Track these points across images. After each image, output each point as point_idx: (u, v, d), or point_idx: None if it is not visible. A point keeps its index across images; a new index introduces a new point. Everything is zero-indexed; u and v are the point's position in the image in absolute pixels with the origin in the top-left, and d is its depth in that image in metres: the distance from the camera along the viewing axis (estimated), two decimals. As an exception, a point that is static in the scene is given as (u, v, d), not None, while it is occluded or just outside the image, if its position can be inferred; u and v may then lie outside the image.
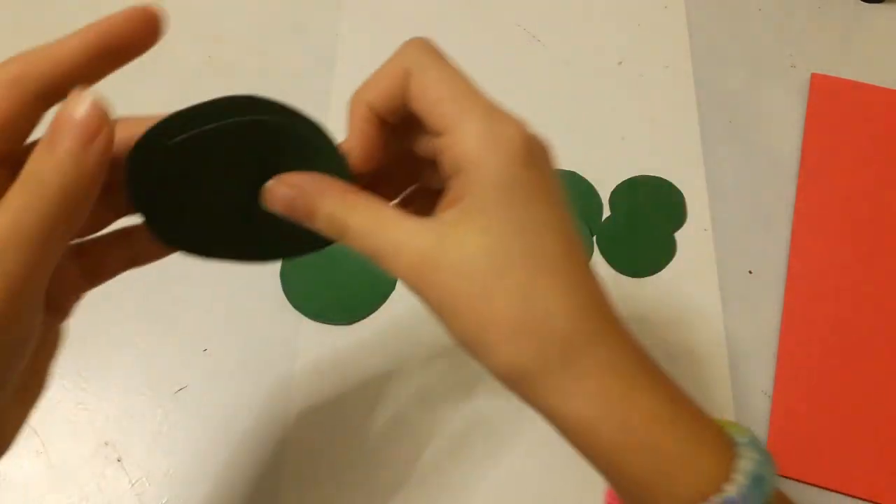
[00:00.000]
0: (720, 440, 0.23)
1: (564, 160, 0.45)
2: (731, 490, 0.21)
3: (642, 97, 0.48)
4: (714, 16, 0.51)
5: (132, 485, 0.35)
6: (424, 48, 0.25)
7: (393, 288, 0.40)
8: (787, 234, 0.43)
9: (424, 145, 0.25)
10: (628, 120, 0.47)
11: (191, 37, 0.48)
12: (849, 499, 0.36)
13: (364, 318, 0.39)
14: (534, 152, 0.24)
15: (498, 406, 0.38)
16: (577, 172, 0.44)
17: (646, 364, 0.23)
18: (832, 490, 0.36)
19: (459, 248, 0.22)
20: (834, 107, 0.47)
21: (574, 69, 0.48)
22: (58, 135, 0.20)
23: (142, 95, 0.46)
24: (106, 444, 0.36)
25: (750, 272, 0.42)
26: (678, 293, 0.41)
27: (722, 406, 0.38)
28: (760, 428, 0.37)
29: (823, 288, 0.41)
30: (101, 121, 0.21)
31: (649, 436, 0.22)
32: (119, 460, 0.36)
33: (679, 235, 0.42)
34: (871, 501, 0.35)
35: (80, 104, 0.21)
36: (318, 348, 0.39)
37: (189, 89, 0.46)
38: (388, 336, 0.39)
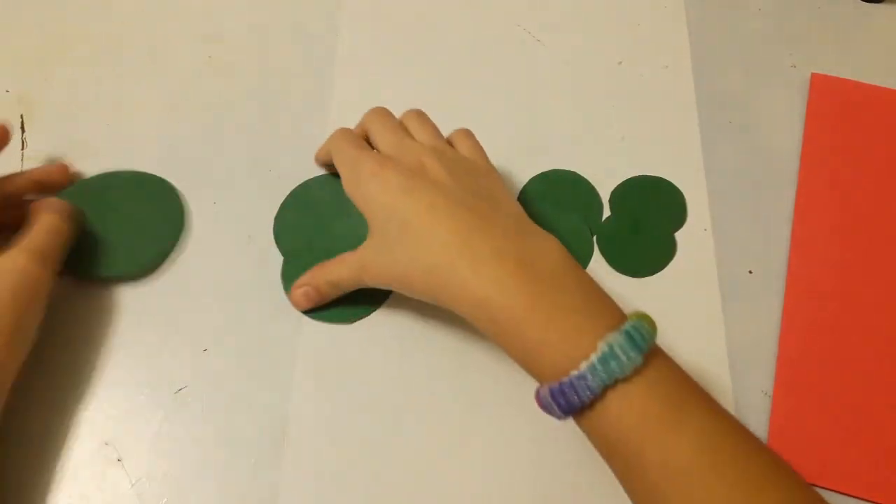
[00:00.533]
0: (591, 330, 0.29)
1: (564, 160, 0.45)
2: (582, 367, 0.28)
3: (642, 97, 0.48)
4: (714, 16, 0.51)
5: (132, 485, 0.35)
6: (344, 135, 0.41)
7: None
8: (787, 234, 0.43)
9: None
10: (628, 120, 0.47)
11: (191, 37, 0.48)
12: (849, 499, 0.36)
13: (364, 317, 0.39)
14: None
15: (501, 404, 0.38)
16: (577, 172, 0.44)
17: (513, 270, 0.31)
18: (832, 490, 0.36)
19: (373, 248, 0.36)
20: (834, 107, 0.47)
21: (574, 69, 0.48)
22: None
23: (142, 95, 0.46)
24: (106, 444, 0.36)
25: (750, 272, 0.42)
26: (678, 293, 0.41)
27: (722, 397, 0.38)
28: (760, 428, 0.37)
29: (823, 288, 0.41)
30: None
31: (512, 328, 0.30)
32: (119, 460, 0.36)
33: (679, 235, 0.42)
34: (871, 501, 0.35)
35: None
36: (318, 348, 0.39)
37: (189, 89, 0.46)
38: (388, 335, 0.39)
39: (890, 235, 0.42)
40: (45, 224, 0.36)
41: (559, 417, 0.30)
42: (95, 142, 0.44)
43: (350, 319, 0.39)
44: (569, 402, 0.28)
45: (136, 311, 0.39)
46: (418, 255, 0.32)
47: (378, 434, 0.37)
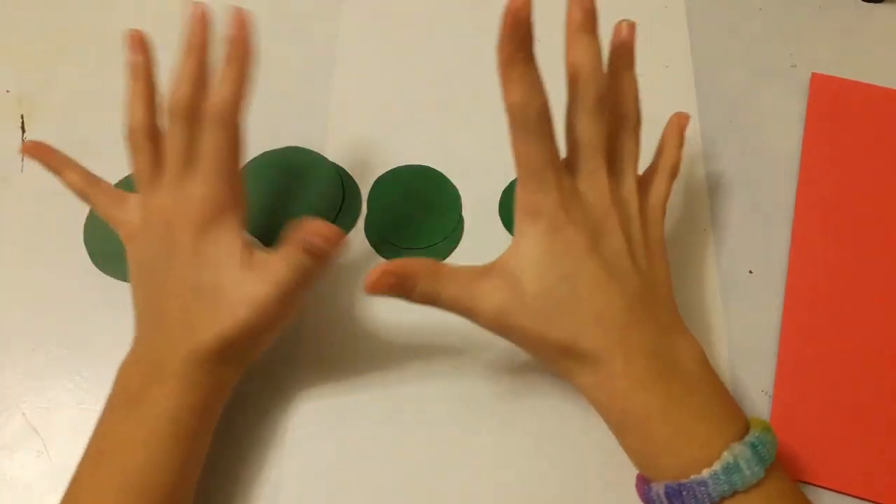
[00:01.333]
0: (715, 438, 0.29)
1: (564, 160, 0.45)
2: (704, 473, 0.28)
3: (642, 97, 0.48)
4: (714, 16, 0.51)
5: (133, 485, 0.35)
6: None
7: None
8: (787, 234, 0.43)
9: None
10: (628, 120, 0.46)
11: (191, 37, 0.48)
12: (849, 499, 0.36)
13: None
14: (555, 226, 0.31)
15: (501, 407, 0.38)
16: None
17: (661, 369, 0.30)
18: (831, 489, 0.36)
19: (521, 297, 0.31)
20: (834, 107, 0.47)
21: (574, 69, 0.48)
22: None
23: (142, 95, 0.46)
24: (106, 444, 0.36)
25: (750, 272, 0.42)
26: (678, 293, 0.41)
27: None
28: (760, 428, 0.37)
29: (823, 288, 0.41)
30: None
31: (642, 425, 0.30)
32: (119, 460, 0.36)
33: (679, 235, 0.43)
34: (871, 501, 0.35)
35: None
36: (319, 349, 0.39)
37: (189, 89, 0.46)
38: (389, 335, 0.39)
39: (890, 235, 0.42)
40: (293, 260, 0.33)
41: None
42: (95, 142, 0.44)
43: None
44: (690, 502, 0.28)
45: (137, 312, 0.39)
46: (574, 332, 0.30)
47: (378, 434, 0.37)
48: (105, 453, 0.31)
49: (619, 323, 0.30)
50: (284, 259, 0.32)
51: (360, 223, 0.42)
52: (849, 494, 0.36)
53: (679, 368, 0.31)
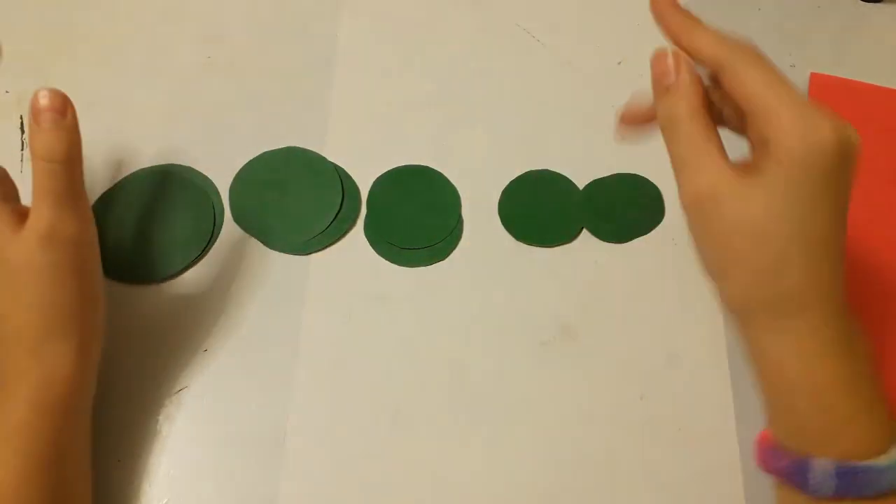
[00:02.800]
0: (886, 424, 0.27)
1: (564, 160, 0.45)
2: (879, 461, 0.26)
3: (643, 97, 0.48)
4: (713, 16, 0.51)
5: (132, 485, 0.35)
6: (740, 51, 0.29)
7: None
8: (786, 233, 0.43)
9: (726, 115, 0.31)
10: (628, 120, 0.47)
11: (191, 37, 0.48)
12: (849, 498, 0.36)
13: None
14: (835, 152, 0.28)
15: (501, 406, 0.38)
16: (559, 172, 0.44)
17: (848, 340, 0.27)
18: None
19: (744, 200, 0.27)
20: (834, 107, 0.46)
21: (574, 69, 0.48)
22: (37, 117, 0.31)
23: (142, 95, 0.46)
24: (106, 444, 0.36)
25: (750, 272, 0.42)
26: (679, 293, 0.41)
27: (722, 405, 0.38)
28: (760, 428, 0.37)
29: (823, 288, 0.41)
30: (64, 101, 0.31)
31: (827, 394, 0.27)
32: (119, 461, 0.36)
33: (679, 235, 0.43)
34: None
35: (41, 97, 0.31)
36: (319, 348, 0.39)
37: (189, 89, 0.46)
38: (388, 335, 0.39)
39: (890, 235, 0.42)
40: (41, 173, 0.31)
41: (816, 495, 0.27)
42: (95, 142, 0.44)
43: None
44: (857, 487, 0.26)
45: (137, 311, 0.39)
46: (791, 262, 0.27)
47: (377, 434, 0.37)
48: None
49: (828, 276, 0.27)
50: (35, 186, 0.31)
51: (360, 223, 0.42)
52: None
53: (857, 343, 0.28)
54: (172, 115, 0.45)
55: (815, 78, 0.48)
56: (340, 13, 0.50)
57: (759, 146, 0.28)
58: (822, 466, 0.27)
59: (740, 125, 0.31)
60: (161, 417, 0.37)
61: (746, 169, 0.28)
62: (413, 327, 0.39)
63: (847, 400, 0.27)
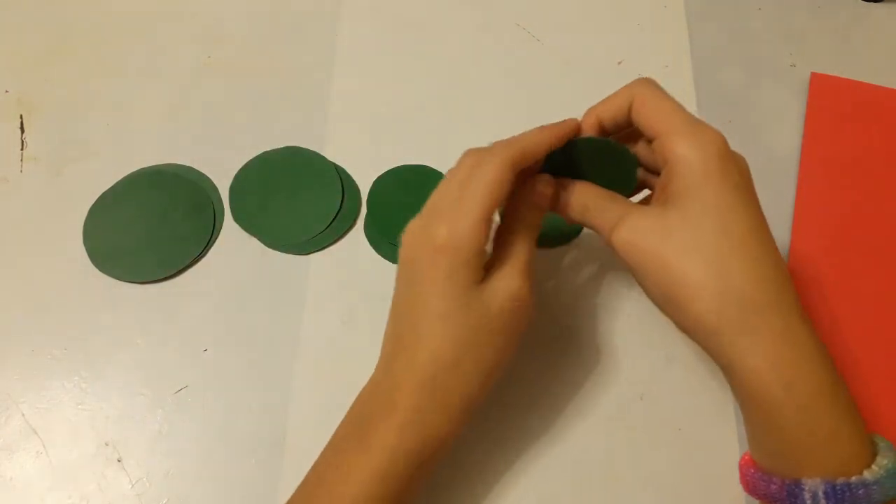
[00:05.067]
0: (864, 434, 0.27)
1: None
2: (868, 476, 0.25)
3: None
4: (714, 16, 0.51)
5: (132, 485, 0.35)
6: (649, 82, 0.31)
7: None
8: (786, 233, 0.43)
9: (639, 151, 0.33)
10: (628, 120, 0.47)
11: (191, 37, 0.48)
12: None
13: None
14: (726, 153, 0.29)
15: (501, 405, 0.38)
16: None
17: (815, 339, 0.27)
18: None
19: (663, 221, 0.28)
20: (834, 106, 0.47)
21: (574, 69, 0.48)
22: (539, 200, 0.31)
23: (142, 95, 0.46)
24: (106, 444, 0.36)
25: (750, 272, 0.42)
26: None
27: (722, 406, 0.38)
28: (760, 428, 0.37)
29: (823, 288, 0.41)
30: (553, 188, 0.32)
31: (812, 404, 0.26)
32: (119, 460, 0.36)
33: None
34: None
35: (539, 185, 0.32)
36: (318, 348, 0.39)
37: (189, 89, 0.46)
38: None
39: (890, 235, 0.42)
40: (524, 234, 0.31)
41: None
42: (95, 142, 0.44)
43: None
44: (851, 503, 0.26)
45: (137, 311, 0.39)
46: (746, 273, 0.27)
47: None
48: (325, 483, 0.30)
49: (784, 282, 0.27)
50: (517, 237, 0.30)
51: (360, 223, 0.42)
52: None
53: (826, 358, 0.27)
54: (172, 115, 0.45)
55: (815, 78, 0.48)
56: (340, 13, 0.50)
57: (664, 166, 0.29)
58: (813, 487, 0.26)
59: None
60: (161, 417, 0.37)
61: (659, 200, 0.30)
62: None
63: (830, 410, 0.26)
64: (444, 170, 0.44)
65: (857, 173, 0.44)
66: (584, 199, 0.31)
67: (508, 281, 0.29)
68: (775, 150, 0.46)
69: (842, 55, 0.49)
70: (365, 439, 0.29)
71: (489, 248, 0.29)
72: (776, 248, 0.28)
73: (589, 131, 0.32)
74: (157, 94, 0.46)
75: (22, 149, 0.44)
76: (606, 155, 0.32)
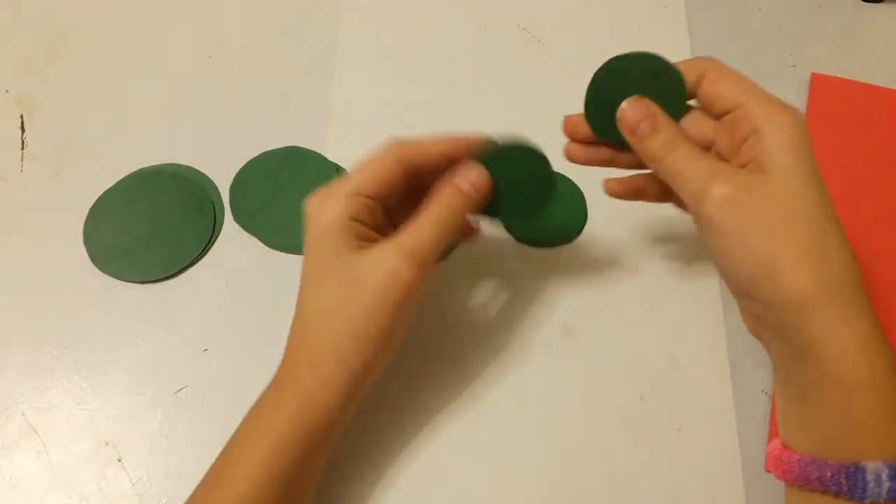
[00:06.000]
0: None
1: (565, 160, 0.44)
2: None
3: (642, 97, 0.48)
4: (714, 16, 0.51)
5: (132, 485, 0.35)
6: (717, 60, 0.32)
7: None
8: (787, 233, 0.43)
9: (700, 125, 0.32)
10: (628, 120, 0.46)
11: (191, 37, 0.48)
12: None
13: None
14: (804, 125, 0.29)
15: (502, 403, 0.38)
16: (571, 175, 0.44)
17: (877, 324, 0.27)
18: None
19: (762, 190, 0.27)
20: (834, 107, 0.47)
21: (574, 69, 0.48)
22: (461, 183, 0.32)
23: (142, 95, 0.46)
24: (106, 444, 0.36)
25: (750, 272, 0.42)
26: (679, 293, 0.41)
27: (722, 406, 0.38)
28: (760, 428, 0.37)
29: (823, 288, 0.41)
30: (486, 181, 0.32)
31: (891, 385, 0.26)
32: (119, 460, 0.36)
33: (679, 235, 0.42)
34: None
35: (471, 172, 0.32)
36: (319, 348, 0.39)
37: (189, 89, 0.46)
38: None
39: (890, 235, 0.42)
40: (435, 214, 0.31)
41: (867, 501, 0.26)
42: (95, 142, 0.44)
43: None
44: None
45: (137, 311, 0.39)
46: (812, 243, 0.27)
47: (377, 434, 0.37)
48: (222, 475, 0.30)
49: (857, 265, 0.27)
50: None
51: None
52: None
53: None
54: (172, 115, 0.45)
55: (815, 78, 0.48)
56: (340, 13, 0.50)
57: (744, 149, 0.29)
58: (876, 469, 0.26)
59: (662, 195, 0.35)
60: (161, 417, 0.37)
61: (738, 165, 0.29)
62: (412, 327, 0.39)
63: (889, 393, 0.26)
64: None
65: (857, 173, 0.44)
66: (675, 143, 0.30)
67: (385, 254, 0.30)
68: (775, 150, 0.46)
69: (842, 55, 0.49)
70: (259, 425, 0.31)
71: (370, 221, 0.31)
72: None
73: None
74: (157, 95, 0.46)
75: (22, 149, 0.44)
76: (653, 76, 0.32)
